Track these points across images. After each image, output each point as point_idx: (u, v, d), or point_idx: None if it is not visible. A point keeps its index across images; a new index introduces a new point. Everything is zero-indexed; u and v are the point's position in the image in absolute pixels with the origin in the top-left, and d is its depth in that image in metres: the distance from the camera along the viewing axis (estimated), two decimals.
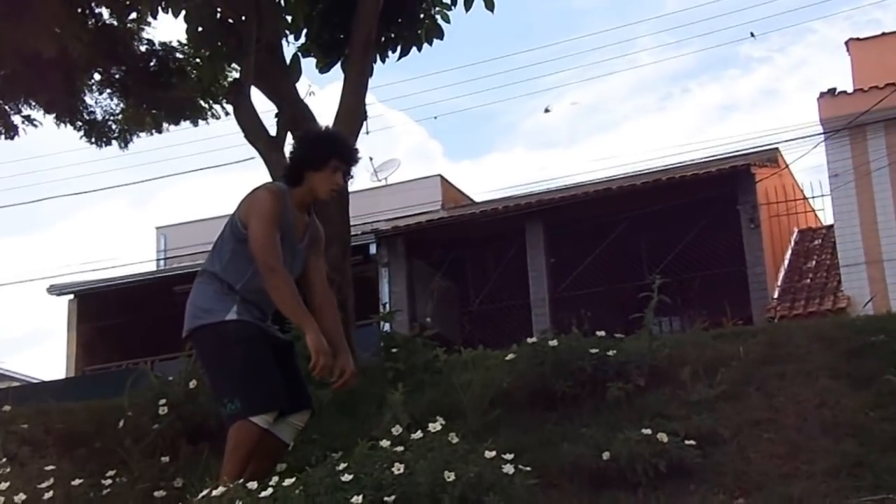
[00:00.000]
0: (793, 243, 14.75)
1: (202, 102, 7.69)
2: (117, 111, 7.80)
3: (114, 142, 7.91)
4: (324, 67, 6.31)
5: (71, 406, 5.44)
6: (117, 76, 7.53)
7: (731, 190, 13.45)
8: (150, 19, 7.03)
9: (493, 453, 3.09)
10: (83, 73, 7.21)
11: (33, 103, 7.58)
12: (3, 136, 7.74)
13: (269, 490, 3.02)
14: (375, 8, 5.71)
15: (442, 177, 17.69)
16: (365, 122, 5.83)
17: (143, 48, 7.48)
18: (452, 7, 6.33)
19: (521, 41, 46.20)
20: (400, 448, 3.11)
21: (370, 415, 4.25)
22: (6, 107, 7.60)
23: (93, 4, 6.85)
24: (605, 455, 3.44)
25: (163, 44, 7.53)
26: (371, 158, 17.98)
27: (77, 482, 3.85)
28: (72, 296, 16.85)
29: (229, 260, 3.58)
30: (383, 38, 6.24)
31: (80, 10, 6.72)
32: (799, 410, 3.83)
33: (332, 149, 3.68)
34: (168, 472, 4.08)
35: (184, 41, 7.23)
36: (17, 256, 40.30)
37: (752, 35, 19.58)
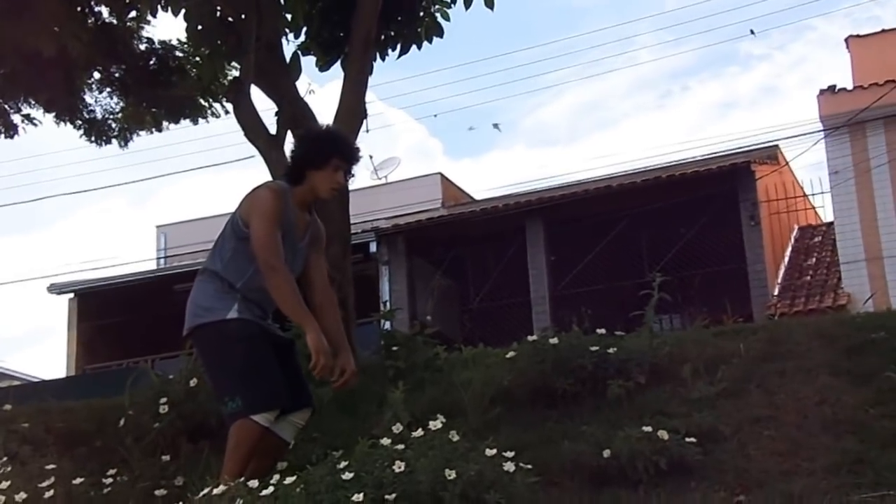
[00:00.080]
0: (793, 240, 14.75)
1: (202, 101, 7.68)
2: (117, 110, 7.79)
3: (113, 140, 7.91)
4: (324, 66, 6.31)
5: (71, 405, 5.44)
6: (117, 75, 7.52)
7: (731, 187, 13.44)
8: (149, 18, 7.02)
9: (494, 451, 3.09)
10: (83, 72, 7.20)
11: (33, 102, 7.57)
12: (2, 135, 7.74)
13: (270, 488, 3.02)
14: (375, 6, 5.71)
15: (442, 175, 17.69)
16: (365, 121, 5.82)
17: (142, 47, 7.48)
18: (452, 5, 6.32)
19: (521, 39, 46.21)
20: (401, 446, 3.12)
21: (371, 413, 4.25)
22: (6, 105, 7.60)
23: (92, 3, 6.85)
24: (606, 453, 3.44)
25: (162, 42, 7.53)
26: (371, 157, 17.98)
27: (78, 481, 3.86)
28: (72, 294, 16.85)
29: (230, 258, 3.58)
30: (383, 37, 6.24)
31: (79, 9, 6.72)
32: (799, 407, 3.84)
33: (334, 148, 3.68)
34: (169, 470, 4.08)
35: (183, 39, 7.23)
36: (18, 255, 40.32)
37: (752, 32, 19.67)
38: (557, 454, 3.61)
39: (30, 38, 6.17)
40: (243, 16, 5.98)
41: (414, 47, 6.35)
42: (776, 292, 13.31)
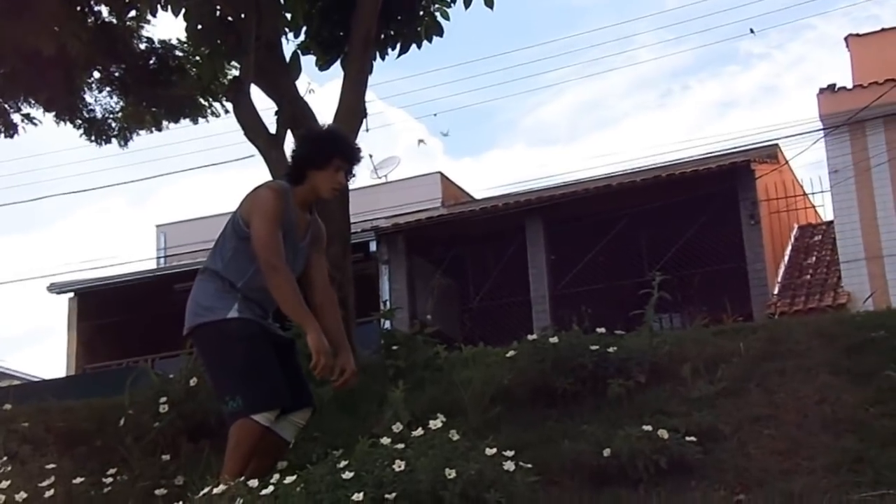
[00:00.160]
0: (793, 239, 14.75)
1: (202, 100, 7.68)
2: (117, 109, 7.79)
3: (113, 140, 7.90)
4: (323, 65, 6.31)
5: (72, 404, 5.44)
6: (117, 74, 7.52)
7: (730, 186, 13.44)
8: (149, 17, 7.01)
9: (494, 450, 3.09)
10: (83, 71, 7.20)
11: (33, 101, 7.57)
12: (2, 135, 7.74)
13: (271, 488, 3.02)
14: (375, 5, 5.71)
15: (442, 174, 17.68)
16: (365, 120, 5.83)
17: (142, 46, 7.48)
18: (452, 4, 6.32)
19: (521, 38, 46.18)
20: (401, 445, 3.12)
21: (371, 412, 4.25)
22: (6, 105, 7.59)
23: (92, 2, 6.85)
24: (606, 452, 3.44)
25: (162, 42, 7.53)
26: (371, 156, 17.97)
27: (78, 480, 3.86)
28: (72, 294, 16.85)
29: (231, 258, 3.58)
30: (383, 36, 6.23)
31: (79, 8, 6.71)
32: (799, 406, 3.84)
33: (335, 148, 3.68)
34: (169, 470, 4.08)
35: (183, 39, 7.23)
36: (18, 255, 40.31)
37: (752, 31, 19.74)
38: (557, 453, 3.61)
39: (29, 38, 6.17)
40: (243, 15, 5.98)
41: (414, 46, 6.34)
42: (776, 291, 13.32)
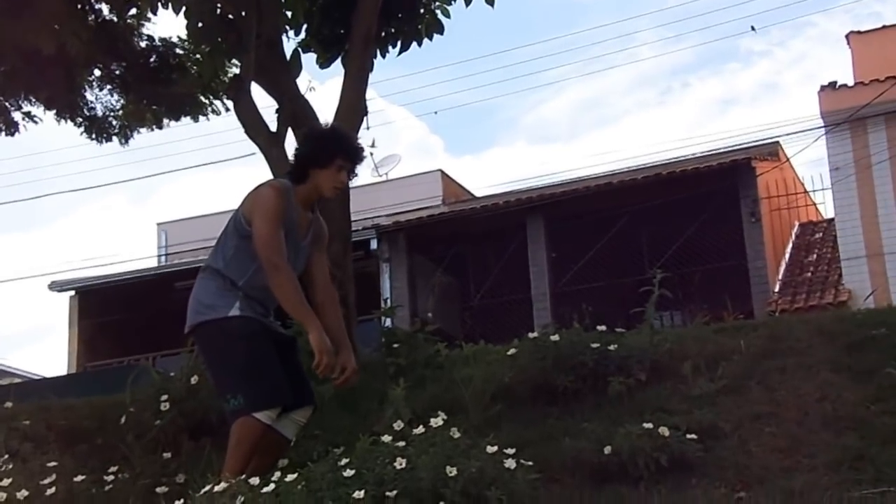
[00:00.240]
0: (794, 237, 14.74)
1: (202, 98, 7.68)
2: (117, 107, 7.79)
3: (114, 138, 7.91)
4: (324, 63, 6.30)
5: (72, 402, 5.45)
6: (117, 72, 7.52)
7: (731, 184, 13.43)
8: (149, 15, 7.02)
9: (495, 448, 3.09)
10: (83, 70, 7.20)
11: (33, 100, 7.57)
12: (3, 133, 7.74)
13: (272, 486, 3.03)
14: (376, 3, 5.70)
15: (442, 172, 17.68)
16: (365, 118, 5.83)
17: (143, 44, 7.48)
18: (452, 2, 6.32)
19: (522, 36, 46.15)
20: (402, 443, 3.12)
21: (372, 410, 4.26)
22: (6, 103, 7.60)
23: (92, 0, 6.85)
24: (607, 449, 3.44)
25: (163, 40, 7.53)
26: (372, 154, 17.92)
27: (79, 478, 3.86)
28: (73, 292, 16.85)
29: (232, 256, 3.59)
30: (383, 34, 6.23)
31: (79, 7, 6.71)
32: (800, 404, 3.84)
33: (338, 147, 3.68)
34: (170, 467, 4.08)
35: (184, 37, 7.22)
36: (19, 253, 40.33)
37: (753, 29, 19.51)
38: (558, 451, 3.61)
39: (30, 36, 6.17)
40: (244, 13, 5.97)
41: (414, 44, 6.34)
42: (777, 289, 13.31)
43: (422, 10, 6.30)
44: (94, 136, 7.84)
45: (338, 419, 4.30)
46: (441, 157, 41.93)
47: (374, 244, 14.99)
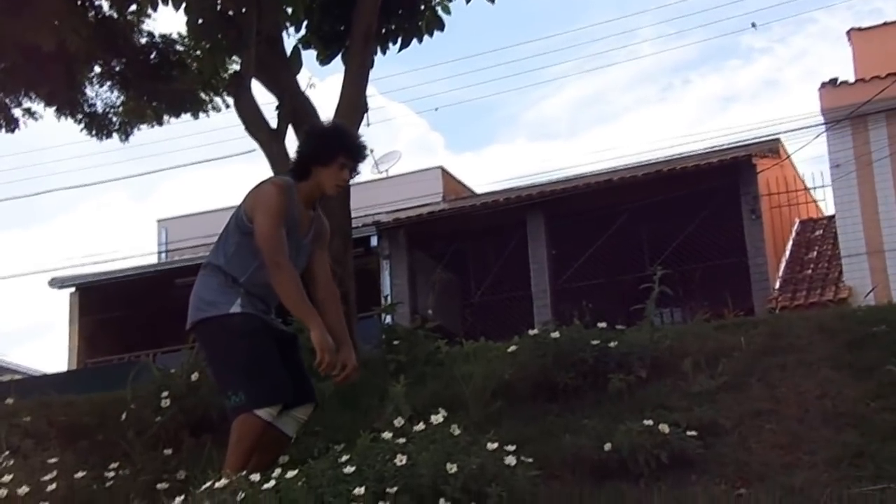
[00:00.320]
0: (794, 234, 14.73)
1: (203, 95, 7.68)
2: (118, 104, 7.79)
3: (114, 134, 7.90)
4: (324, 59, 6.30)
5: (73, 399, 5.45)
6: (118, 69, 7.51)
7: (732, 181, 13.43)
8: (150, 11, 7.02)
9: (495, 445, 3.10)
10: (83, 66, 7.20)
11: (34, 96, 7.57)
12: (3, 129, 7.74)
13: (272, 482, 3.03)
14: (376, 0, 5.70)
15: (443, 168, 17.67)
16: (366, 115, 5.83)
17: (143, 40, 7.47)
18: None
19: (522, 32, 46.14)
20: (402, 440, 3.12)
21: (372, 407, 4.26)
22: (6, 100, 7.59)
23: None
24: (607, 446, 3.44)
25: (163, 36, 7.52)
26: (372, 150, 17.93)
27: (80, 474, 3.87)
28: (73, 289, 16.86)
29: (234, 253, 3.59)
30: (384, 30, 6.23)
31: (79, 3, 6.71)
32: (800, 401, 3.84)
33: (341, 145, 3.68)
34: (171, 464, 4.09)
35: (184, 33, 7.22)
36: (19, 249, 40.34)
37: (753, 25, 19.69)
38: (558, 448, 3.61)
39: (30, 33, 6.16)
40: (244, 10, 5.97)
41: (415, 41, 6.34)
42: (777, 286, 13.31)
43: (422, 7, 6.30)
44: (94, 132, 7.84)
45: (338, 416, 4.30)
46: (441, 154, 41.91)
47: (374, 241, 14.99)
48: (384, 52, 6.33)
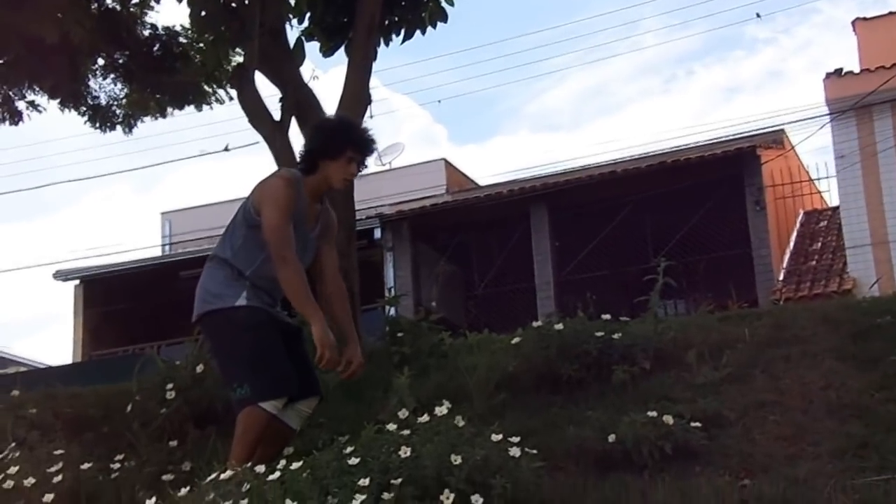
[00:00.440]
0: (798, 225, 14.71)
1: (206, 87, 7.67)
2: (121, 96, 7.78)
3: (118, 127, 7.90)
4: (327, 51, 6.29)
5: (79, 391, 5.46)
6: (121, 61, 7.51)
7: (736, 172, 13.40)
8: (153, 3, 7.03)
9: (500, 436, 3.10)
10: (87, 58, 7.19)
11: (37, 89, 7.56)
12: (7, 122, 7.73)
13: (277, 474, 3.04)
14: None
15: (446, 161, 17.66)
16: (369, 107, 5.82)
17: (146, 33, 7.46)
18: None
19: (525, 24, 46.07)
20: (406, 432, 3.12)
21: (376, 399, 4.27)
22: (10, 92, 7.59)
23: None
24: (611, 438, 3.45)
25: (166, 28, 7.52)
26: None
27: (86, 466, 3.88)
28: (77, 281, 16.89)
29: (241, 246, 3.59)
30: (387, 22, 6.22)
31: None
32: (804, 392, 3.84)
33: (349, 138, 3.68)
34: (176, 455, 4.10)
35: (187, 25, 7.21)
36: (23, 242, 40.41)
37: (758, 16, 19.59)
38: (562, 439, 3.62)
39: (33, 25, 6.16)
40: (247, 1, 5.97)
41: (418, 33, 6.33)
42: (781, 277, 13.30)
43: None
44: (97, 125, 7.83)
45: (343, 408, 4.31)
46: (444, 146, 41.93)
47: (377, 233, 15.00)
48: (387, 44, 6.33)
